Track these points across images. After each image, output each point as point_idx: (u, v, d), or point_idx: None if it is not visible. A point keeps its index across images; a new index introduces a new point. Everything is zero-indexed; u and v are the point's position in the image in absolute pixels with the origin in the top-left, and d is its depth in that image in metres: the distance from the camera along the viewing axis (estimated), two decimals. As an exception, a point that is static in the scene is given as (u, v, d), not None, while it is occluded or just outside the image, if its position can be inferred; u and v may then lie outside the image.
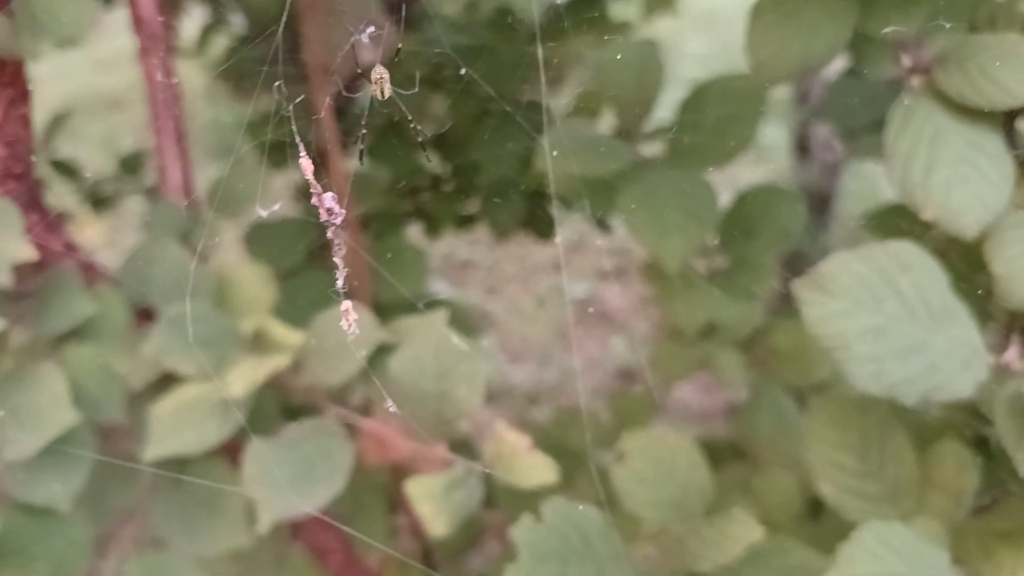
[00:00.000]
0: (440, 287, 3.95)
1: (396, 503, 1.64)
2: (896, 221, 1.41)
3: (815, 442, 0.91)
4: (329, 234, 0.53)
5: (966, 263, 0.82)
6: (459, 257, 4.25)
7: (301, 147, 0.54)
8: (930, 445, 0.92)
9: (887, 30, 0.78)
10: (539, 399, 3.28)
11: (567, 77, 2.54)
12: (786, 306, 1.44)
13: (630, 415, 1.54)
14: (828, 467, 0.90)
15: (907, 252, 0.79)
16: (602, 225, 2.41)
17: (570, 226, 2.38)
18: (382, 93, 0.77)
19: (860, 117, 1.41)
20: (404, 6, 1.61)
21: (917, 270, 0.79)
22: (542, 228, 2.32)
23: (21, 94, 0.96)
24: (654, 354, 1.43)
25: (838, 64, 1.38)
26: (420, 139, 0.84)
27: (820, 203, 3.45)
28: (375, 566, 1.57)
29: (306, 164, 0.53)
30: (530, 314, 4.10)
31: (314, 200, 0.53)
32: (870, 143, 1.43)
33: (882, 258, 0.79)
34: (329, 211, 0.53)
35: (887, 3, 0.78)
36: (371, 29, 0.74)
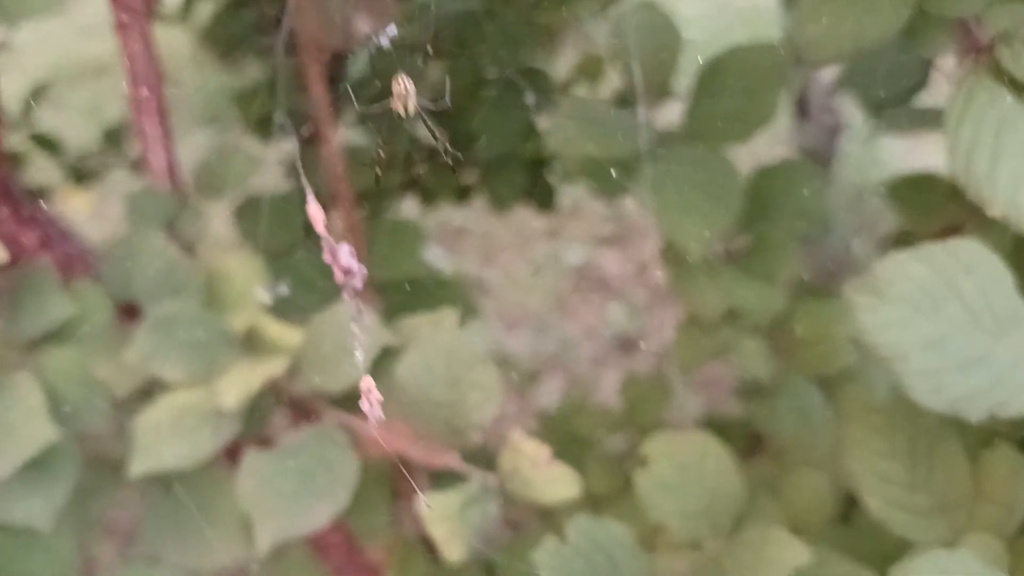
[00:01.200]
0: (434, 254, 3.88)
1: (397, 491, 1.58)
2: (915, 191, 1.34)
3: (858, 450, 0.84)
4: (345, 296, 0.44)
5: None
6: (453, 223, 4.17)
7: (309, 193, 0.44)
8: (979, 451, 0.85)
9: (949, 8, 0.70)
10: (539, 373, 3.23)
11: (565, 41, 2.45)
12: (808, 290, 1.37)
13: (643, 401, 1.48)
14: (873, 478, 0.83)
15: (970, 251, 0.72)
16: (605, 192, 2.34)
17: (566, 192, 2.31)
18: (406, 110, 0.68)
19: (885, 88, 1.33)
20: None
21: (981, 272, 0.71)
22: (543, 198, 2.25)
23: (-16, 78, 0.87)
24: (672, 341, 1.36)
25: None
26: (453, 164, 0.75)
27: (819, 166, 3.38)
28: (377, 558, 1.51)
29: (316, 213, 0.44)
30: (526, 281, 4.03)
31: (326, 256, 0.44)
32: (896, 116, 1.35)
33: (943, 258, 0.72)
34: (346, 271, 0.44)
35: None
36: (392, 29, 0.65)
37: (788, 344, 1.31)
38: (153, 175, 1.23)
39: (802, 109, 3.50)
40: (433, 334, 0.91)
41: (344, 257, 0.43)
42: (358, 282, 0.43)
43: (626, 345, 3.65)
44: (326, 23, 1.34)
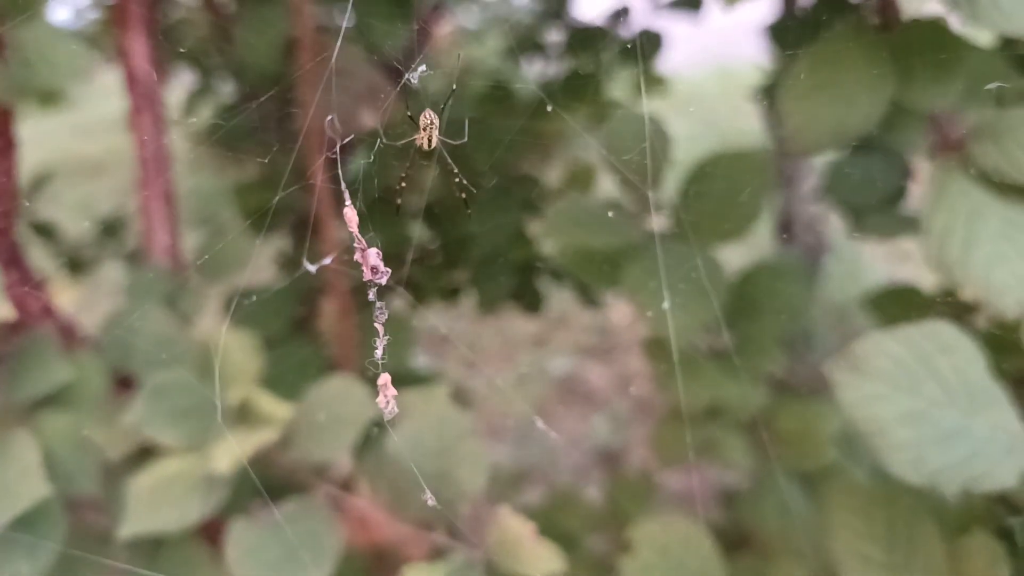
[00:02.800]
0: (420, 361, 3.88)
1: (380, 563, 1.56)
2: (896, 303, 1.38)
3: (840, 532, 0.86)
4: (371, 295, 0.47)
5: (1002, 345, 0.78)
6: (438, 331, 4.19)
7: (347, 195, 0.48)
8: (956, 536, 0.86)
9: (923, 103, 0.75)
10: (521, 480, 3.21)
11: (557, 153, 2.53)
12: (790, 388, 1.40)
13: (627, 499, 1.48)
14: (854, 559, 0.84)
15: (945, 333, 0.75)
16: (590, 300, 2.38)
17: (552, 302, 2.36)
18: (429, 141, 0.71)
19: (864, 196, 1.39)
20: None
21: (956, 352, 0.74)
22: (530, 302, 2.28)
23: (7, 145, 0.91)
24: (654, 435, 1.38)
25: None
26: (464, 195, 0.79)
27: (802, 285, 3.43)
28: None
29: (351, 215, 0.48)
30: (509, 390, 4.03)
31: (357, 256, 0.47)
32: (875, 222, 1.41)
33: (919, 339, 0.75)
34: (374, 269, 0.48)
35: (924, 75, 0.75)
36: (423, 68, 0.69)
37: (769, 441, 1.33)
38: (155, 254, 1.26)
39: (785, 229, 3.59)
40: (424, 408, 0.93)
41: (373, 258, 0.46)
42: (383, 280, 0.46)
43: (609, 457, 3.63)
44: (332, 118, 1.38)
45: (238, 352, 1.12)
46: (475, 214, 2.02)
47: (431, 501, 0.74)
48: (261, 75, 1.69)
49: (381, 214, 0.74)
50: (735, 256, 1.36)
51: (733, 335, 1.31)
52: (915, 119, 0.80)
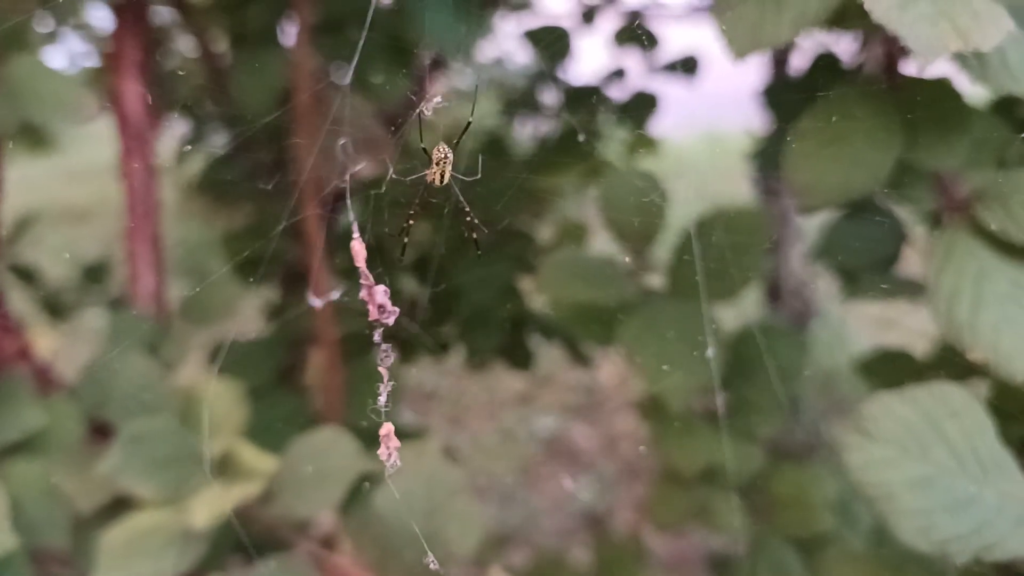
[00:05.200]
0: (405, 417, 3.84)
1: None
2: (888, 367, 1.36)
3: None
4: (376, 337, 0.44)
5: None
6: (424, 387, 4.15)
7: (355, 227, 0.46)
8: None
9: (930, 161, 0.74)
10: (506, 543, 3.15)
11: (551, 209, 2.52)
12: (782, 452, 1.37)
13: (617, 563, 1.44)
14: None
15: (954, 396, 0.73)
16: (580, 358, 2.35)
17: (539, 360, 2.34)
18: (441, 177, 0.68)
19: (859, 258, 1.38)
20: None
21: (965, 416, 0.72)
22: (519, 358, 2.26)
23: (-8, 180, 0.88)
24: (648, 498, 1.34)
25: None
26: (475, 235, 0.76)
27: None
28: None
29: (359, 248, 0.45)
30: (494, 449, 3.98)
31: (363, 294, 0.45)
32: (869, 285, 1.39)
33: (928, 402, 0.73)
34: (380, 308, 0.45)
35: (931, 134, 0.74)
36: (438, 99, 0.67)
37: (765, 506, 1.30)
38: (140, 299, 1.23)
39: (774, 294, 3.58)
40: (414, 463, 0.90)
41: (380, 296, 0.43)
42: (391, 320, 0.43)
43: (594, 520, 3.58)
44: (328, 166, 1.36)
45: (221, 401, 1.09)
46: (467, 268, 2.00)
47: (433, 564, 0.69)
48: (255, 124, 1.68)
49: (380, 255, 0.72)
50: (726, 318, 1.34)
51: (730, 396, 1.29)
52: (918, 179, 0.79)
